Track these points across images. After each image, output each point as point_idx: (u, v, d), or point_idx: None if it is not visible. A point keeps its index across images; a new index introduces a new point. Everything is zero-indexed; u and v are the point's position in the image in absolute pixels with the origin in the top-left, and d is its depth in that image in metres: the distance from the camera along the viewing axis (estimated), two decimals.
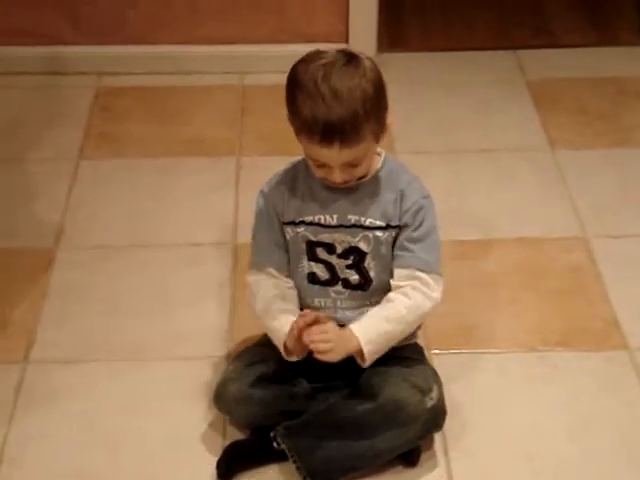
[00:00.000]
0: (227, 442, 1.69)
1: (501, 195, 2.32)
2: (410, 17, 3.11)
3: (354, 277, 1.64)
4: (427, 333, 1.85)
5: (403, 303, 1.60)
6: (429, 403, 1.61)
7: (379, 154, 1.62)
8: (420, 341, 1.76)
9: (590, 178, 2.37)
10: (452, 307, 1.97)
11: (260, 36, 2.78)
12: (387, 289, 1.63)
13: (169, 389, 1.82)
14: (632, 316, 1.97)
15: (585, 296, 2.02)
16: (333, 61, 1.49)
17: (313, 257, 1.64)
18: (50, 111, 2.65)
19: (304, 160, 1.61)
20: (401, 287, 1.60)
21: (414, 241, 1.60)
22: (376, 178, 1.61)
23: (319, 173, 1.56)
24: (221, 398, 1.70)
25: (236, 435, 1.71)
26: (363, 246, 1.61)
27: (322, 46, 2.76)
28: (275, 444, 1.64)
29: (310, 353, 1.59)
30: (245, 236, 2.17)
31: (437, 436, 1.69)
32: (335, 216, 1.61)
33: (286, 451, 1.63)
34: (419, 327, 1.74)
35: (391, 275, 1.63)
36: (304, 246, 1.63)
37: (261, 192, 1.67)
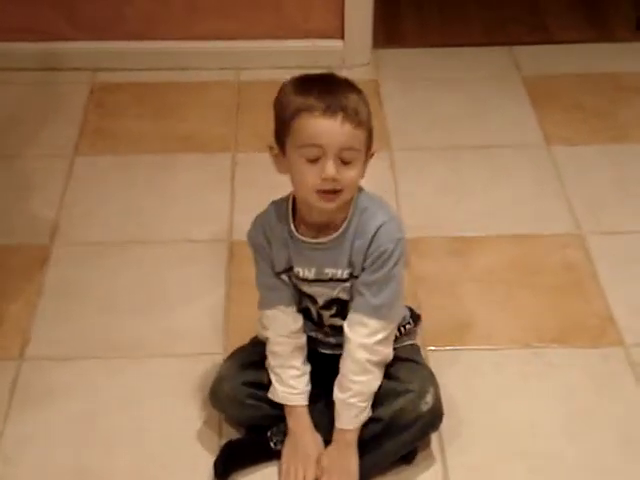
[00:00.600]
0: (223, 440, 1.69)
1: (497, 192, 2.32)
2: (406, 13, 3.11)
3: (340, 323, 1.62)
4: (423, 330, 1.84)
5: (359, 382, 1.58)
6: (425, 407, 1.60)
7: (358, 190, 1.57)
8: (417, 338, 1.75)
9: (586, 174, 2.37)
10: (448, 304, 1.98)
11: (256, 32, 2.77)
12: None
13: (165, 386, 1.81)
14: (627, 313, 1.97)
15: (581, 293, 2.02)
16: (325, 75, 1.52)
17: (301, 302, 1.64)
18: (46, 107, 2.64)
19: (287, 202, 1.58)
20: (346, 336, 1.58)
21: (367, 285, 1.55)
22: (349, 226, 1.55)
23: (309, 175, 1.48)
24: (216, 397, 1.70)
25: (232, 433, 1.71)
26: (343, 295, 1.59)
27: (318, 42, 2.80)
28: (272, 444, 1.65)
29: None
30: (241, 233, 2.17)
31: (433, 434, 1.69)
32: (313, 270, 1.58)
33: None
34: (417, 325, 1.74)
35: None
36: (296, 289, 1.63)
37: (249, 239, 1.63)
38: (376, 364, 1.58)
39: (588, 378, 1.83)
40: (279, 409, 1.65)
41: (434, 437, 1.69)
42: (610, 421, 1.75)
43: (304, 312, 1.65)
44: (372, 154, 1.54)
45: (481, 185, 2.35)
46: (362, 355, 1.57)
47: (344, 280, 1.58)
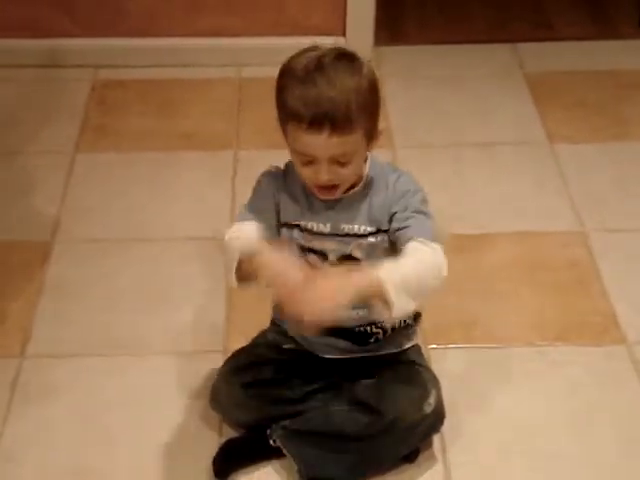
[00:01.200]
0: (223, 438, 1.69)
1: (499, 189, 2.32)
2: (408, 10, 3.10)
3: None
4: (425, 328, 1.83)
5: (418, 251, 1.47)
6: (428, 409, 1.60)
7: (366, 159, 1.56)
8: (418, 337, 1.75)
9: (589, 172, 2.37)
10: (450, 301, 1.97)
11: (258, 29, 2.77)
12: None
13: (166, 384, 1.81)
14: (630, 310, 1.97)
15: (583, 290, 2.02)
16: (327, 52, 1.46)
17: (307, 262, 1.60)
18: (47, 104, 2.64)
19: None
20: (409, 250, 1.47)
21: (405, 219, 1.51)
22: (366, 183, 1.55)
23: (305, 173, 1.49)
24: (216, 400, 1.69)
25: (232, 431, 1.70)
26: (357, 253, 1.57)
27: (320, 39, 2.78)
28: (271, 442, 1.64)
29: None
30: None
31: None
32: (328, 225, 1.56)
33: (286, 453, 1.63)
34: (417, 324, 1.73)
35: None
36: (297, 249, 1.59)
37: (265, 172, 1.60)
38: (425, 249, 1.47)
39: (591, 376, 1.83)
40: (280, 408, 1.65)
41: (436, 436, 1.68)
42: (613, 419, 1.75)
43: None
44: (379, 134, 1.50)
45: (483, 183, 2.35)
46: (430, 254, 1.47)
47: (361, 236, 1.55)
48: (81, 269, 2.09)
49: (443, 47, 2.88)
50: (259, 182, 1.61)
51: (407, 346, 1.68)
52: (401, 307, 1.43)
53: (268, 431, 1.65)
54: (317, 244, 1.58)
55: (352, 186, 1.54)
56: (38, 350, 1.89)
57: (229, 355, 1.75)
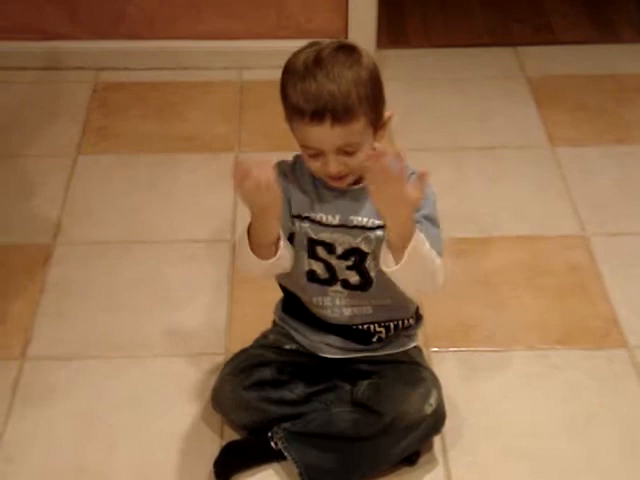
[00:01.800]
0: (225, 440, 1.69)
1: (501, 192, 2.32)
2: (410, 13, 3.10)
3: (354, 278, 1.61)
4: (426, 331, 1.84)
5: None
6: (428, 410, 1.60)
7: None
8: (419, 339, 1.75)
9: (590, 175, 2.37)
10: (451, 305, 1.97)
11: (259, 32, 2.77)
12: (386, 289, 1.60)
13: (167, 386, 1.81)
14: (631, 314, 1.97)
15: (585, 294, 2.02)
16: (326, 46, 1.48)
17: (313, 255, 1.61)
18: (48, 106, 2.64)
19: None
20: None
21: (418, 222, 1.51)
22: None
23: (314, 165, 1.51)
24: (217, 401, 1.69)
25: (233, 433, 1.70)
26: (364, 247, 1.58)
27: None
28: (273, 444, 1.64)
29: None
30: None
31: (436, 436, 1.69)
32: (337, 216, 1.57)
33: (288, 457, 1.63)
34: (418, 324, 1.73)
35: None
36: (305, 243, 1.60)
37: (277, 167, 1.59)
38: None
39: (592, 379, 1.83)
40: (282, 410, 1.65)
41: (437, 438, 1.68)
42: (613, 422, 1.74)
43: (310, 275, 1.62)
44: (388, 119, 1.51)
45: (485, 186, 2.35)
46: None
47: (369, 229, 1.56)
48: (82, 271, 2.09)
49: (445, 50, 2.89)
50: None
51: (408, 346, 1.68)
52: (398, 272, 1.46)
53: (269, 433, 1.65)
54: (326, 236, 1.58)
55: (362, 177, 1.54)
56: (39, 351, 1.89)
57: (230, 357, 1.75)
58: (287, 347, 1.69)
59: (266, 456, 1.65)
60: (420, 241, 1.46)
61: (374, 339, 1.65)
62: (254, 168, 1.45)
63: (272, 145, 2.44)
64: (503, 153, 2.46)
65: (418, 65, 2.81)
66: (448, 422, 1.65)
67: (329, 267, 1.61)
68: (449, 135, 2.52)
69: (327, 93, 1.43)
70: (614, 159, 2.42)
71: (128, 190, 2.33)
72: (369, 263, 1.60)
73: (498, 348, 1.90)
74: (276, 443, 1.64)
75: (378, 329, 1.64)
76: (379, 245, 1.56)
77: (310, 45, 1.50)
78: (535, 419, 1.75)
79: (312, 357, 1.67)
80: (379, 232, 1.56)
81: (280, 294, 1.73)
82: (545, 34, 2.98)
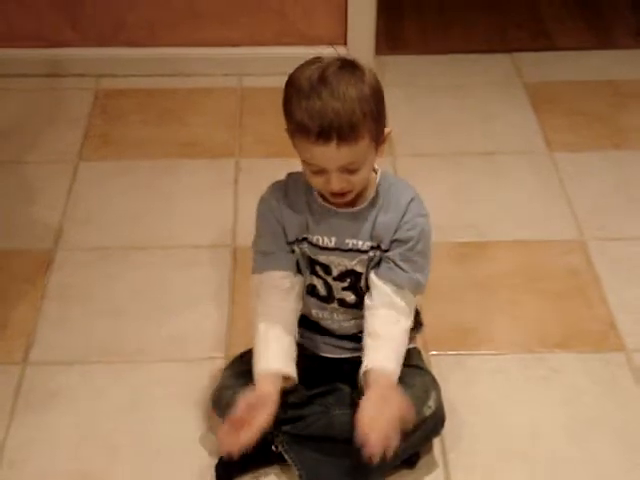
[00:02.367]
0: None
1: (499, 197, 2.33)
2: (408, 20, 3.12)
3: (350, 297, 1.64)
4: (425, 334, 1.85)
5: (395, 328, 1.58)
6: (428, 412, 1.61)
7: (376, 171, 1.59)
8: (418, 342, 1.76)
9: (588, 180, 2.38)
10: (450, 308, 1.98)
11: (259, 38, 2.78)
12: None
13: (168, 391, 1.82)
14: (629, 318, 1.97)
15: (583, 298, 2.03)
16: (330, 64, 1.48)
17: (313, 271, 1.63)
18: (50, 113, 2.65)
19: (304, 174, 1.57)
20: (393, 304, 1.57)
21: (406, 260, 1.57)
22: (374, 200, 1.57)
23: (316, 182, 1.52)
24: (218, 405, 1.69)
25: None
26: (359, 268, 1.60)
27: (321, 49, 2.79)
28: (273, 447, 1.64)
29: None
30: (244, 239, 2.18)
31: (436, 438, 1.69)
32: (333, 239, 1.58)
33: (288, 460, 1.63)
34: (417, 331, 1.74)
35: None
36: (307, 261, 1.62)
37: (263, 199, 1.63)
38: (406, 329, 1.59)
39: (590, 383, 1.83)
40: (282, 412, 1.65)
41: (436, 441, 1.69)
42: (612, 426, 1.75)
43: (311, 289, 1.65)
44: (387, 134, 1.53)
45: (483, 191, 2.36)
46: (399, 320, 1.58)
47: (364, 252, 1.58)
48: (84, 276, 2.10)
49: (443, 56, 2.90)
50: (259, 216, 1.63)
51: (408, 347, 1.69)
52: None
53: (269, 436, 1.65)
54: (322, 258, 1.61)
55: (360, 195, 1.56)
56: (41, 357, 1.90)
57: (230, 361, 1.76)
58: None
59: (267, 459, 1.66)
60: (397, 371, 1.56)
61: None
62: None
63: (272, 151, 2.45)
64: (501, 158, 2.47)
65: (416, 71, 2.82)
66: (447, 425, 1.66)
67: (327, 285, 1.64)
68: (447, 140, 2.53)
69: (332, 111, 1.43)
70: (611, 164, 2.43)
71: (129, 196, 2.34)
72: (364, 282, 1.62)
73: (497, 351, 1.91)
74: (276, 446, 1.64)
75: None
76: (369, 264, 1.60)
77: (313, 61, 1.50)
78: (534, 422, 1.76)
79: (312, 359, 1.68)
80: (371, 253, 1.59)
81: None
82: (542, 40, 2.99)
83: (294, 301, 1.63)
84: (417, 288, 1.60)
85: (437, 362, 1.84)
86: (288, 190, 1.61)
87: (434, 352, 1.88)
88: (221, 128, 2.58)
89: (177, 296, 2.04)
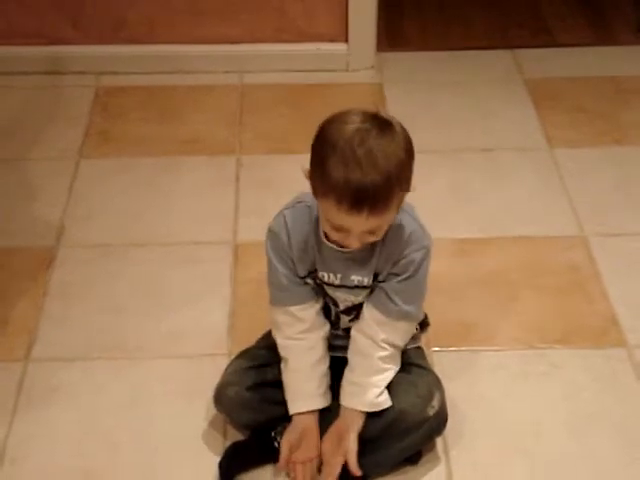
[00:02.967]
0: (228, 441, 1.70)
1: (500, 194, 2.33)
2: (409, 17, 3.12)
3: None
4: (427, 331, 1.85)
5: (380, 360, 1.60)
6: (431, 411, 1.61)
7: None
8: (422, 340, 1.76)
9: (588, 177, 2.38)
10: (451, 305, 1.98)
11: (260, 36, 2.78)
12: None
13: (170, 387, 1.82)
14: (630, 313, 1.98)
15: (583, 294, 2.03)
16: (368, 127, 1.42)
17: (326, 300, 1.64)
18: (50, 111, 2.65)
19: (314, 209, 1.54)
20: (376, 341, 1.59)
21: (398, 292, 1.57)
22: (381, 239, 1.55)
23: (334, 236, 1.50)
24: (220, 401, 1.70)
25: (237, 433, 1.71)
26: (363, 300, 1.61)
27: (322, 46, 2.81)
28: (276, 444, 1.65)
29: None
30: (245, 235, 2.19)
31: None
32: (339, 276, 1.58)
33: None
34: (423, 331, 1.74)
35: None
36: (320, 289, 1.62)
37: (272, 233, 1.59)
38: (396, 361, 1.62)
39: (591, 379, 1.84)
40: (284, 409, 1.66)
41: (438, 438, 1.69)
42: (613, 421, 1.75)
43: (324, 310, 1.65)
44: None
45: (484, 187, 2.36)
46: (385, 353, 1.59)
47: (368, 287, 1.59)
48: (85, 273, 2.10)
49: (444, 53, 2.90)
50: (270, 251, 1.61)
51: (411, 346, 1.70)
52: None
53: (272, 433, 1.66)
54: (330, 292, 1.62)
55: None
56: (43, 353, 1.90)
57: (233, 357, 1.76)
58: None
59: (269, 456, 1.66)
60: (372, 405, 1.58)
61: None
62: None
63: (273, 148, 2.45)
64: (502, 155, 2.47)
65: (417, 68, 2.82)
66: (449, 421, 1.65)
67: (336, 315, 1.65)
68: (448, 137, 2.53)
69: (371, 184, 1.39)
70: (612, 160, 2.43)
71: (130, 193, 2.35)
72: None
73: (498, 347, 1.91)
74: (279, 443, 1.64)
75: None
76: (369, 293, 1.61)
77: (348, 118, 1.44)
78: (535, 418, 1.76)
79: None
80: (373, 285, 1.59)
81: None
82: (543, 37, 2.99)
83: (319, 328, 1.64)
84: (407, 319, 1.59)
85: (438, 358, 1.84)
86: (296, 223, 1.57)
87: (435, 348, 1.88)
88: (222, 125, 2.58)
89: (178, 293, 2.04)
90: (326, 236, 1.54)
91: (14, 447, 1.71)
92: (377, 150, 1.40)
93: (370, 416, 1.60)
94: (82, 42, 2.78)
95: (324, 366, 1.64)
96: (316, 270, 1.59)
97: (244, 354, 1.74)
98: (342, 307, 1.63)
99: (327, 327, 1.65)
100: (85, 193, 2.35)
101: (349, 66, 2.76)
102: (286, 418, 1.65)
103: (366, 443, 1.61)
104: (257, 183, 2.34)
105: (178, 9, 2.76)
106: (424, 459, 1.67)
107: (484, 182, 2.38)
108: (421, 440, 1.64)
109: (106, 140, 2.53)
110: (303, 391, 1.63)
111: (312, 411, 1.63)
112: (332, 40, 2.76)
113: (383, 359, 1.59)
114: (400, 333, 1.60)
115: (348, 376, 1.62)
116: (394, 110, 2.60)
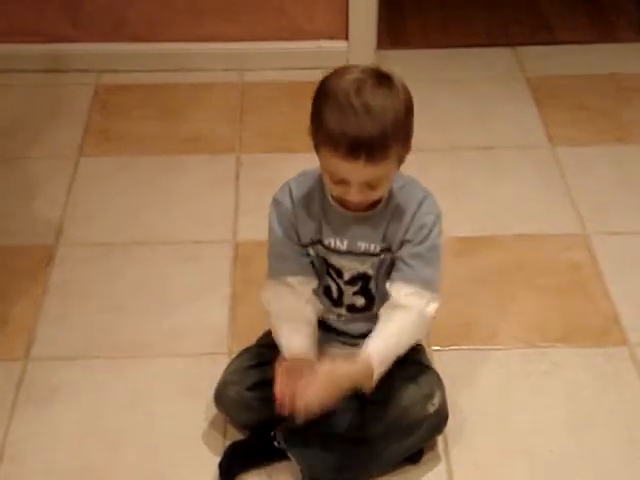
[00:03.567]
0: (228, 440, 1.70)
1: (501, 192, 2.33)
2: (410, 14, 3.11)
3: (360, 302, 1.64)
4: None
5: (403, 319, 1.57)
6: (432, 409, 1.61)
7: None
8: (422, 339, 1.76)
9: (590, 175, 2.38)
10: (452, 304, 1.97)
11: (260, 33, 2.78)
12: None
13: (170, 386, 1.82)
14: (632, 312, 1.97)
15: (585, 292, 2.03)
16: (366, 77, 1.44)
17: (329, 273, 1.63)
18: (50, 109, 2.65)
19: (319, 177, 1.56)
20: (400, 303, 1.56)
21: (415, 257, 1.56)
22: (388, 204, 1.56)
23: (335, 190, 1.51)
24: (220, 400, 1.70)
25: (237, 433, 1.71)
26: (370, 271, 1.60)
27: (322, 43, 2.80)
28: (276, 443, 1.65)
29: None
30: (246, 233, 2.18)
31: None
32: (345, 242, 1.58)
33: (290, 456, 1.63)
34: None
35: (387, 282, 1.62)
36: (322, 261, 1.62)
37: (276, 202, 1.61)
38: (412, 313, 1.57)
39: (592, 377, 1.83)
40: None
41: (439, 436, 1.69)
42: (614, 420, 1.75)
43: (325, 290, 1.65)
44: (409, 151, 1.52)
45: (485, 185, 2.35)
46: (406, 300, 1.56)
47: (375, 254, 1.58)
48: (85, 272, 2.10)
49: (445, 51, 2.90)
50: (272, 219, 1.61)
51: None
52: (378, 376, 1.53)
53: (272, 433, 1.65)
54: (334, 261, 1.61)
55: (377, 201, 1.55)
56: (42, 352, 1.90)
57: (234, 356, 1.76)
58: None
59: (269, 456, 1.66)
60: (379, 360, 1.52)
61: None
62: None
63: (273, 146, 2.45)
64: (503, 153, 2.47)
65: (418, 65, 2.82)
66: (450, 420, 1.65)
67: (339, 289, 1.64)
68: (449, 135, 2.53)
69: (365, 130, 1.41)
70: (614, 158, 2.43)
71: (130, 191, 2.34)
72: (372, 285, 1.62)
73: (499, 346, 1.90)
74: (279, 442, 1.64)
75: None
76: (380, 267, 1.60)
77: (349, 69, 1.46)
78: (536, 417, 1.76)
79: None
80: (382, 255, 1.59)
81: None
82: (544, 34, 2.99)
83: (312, 303, 1.64)
84: (427, 284, 1.58)
85: (439, 357, 1.84)
86: (301, 191, 1.59)
87: (436, 347, 1.88)
88: (222, 123, 2.58)
89: (178, 291, 2.04)
90: (335, 199, 1.55)
91: (13, 446, 1.71)
92: (372, 99, 1.42)
93: (371, 414, 1.60)
94: (82, 40, 2.78)
95: (314, 332, 1.62)
96: (320, 240, 1.58)
97: (245, 353, 1.74)
98: (347, 277, 1.61)
99: (321, 309, 1.64)
100: (85, 192, 2.34)
101: (349, 64, 2.75)
102: (286, 418, 1.65)
103: (368, 442, 1.60)
104: (257, 182, 2.34)
105: (179, 7, 2.75)
106: (425, 458, 1.67)
107: (485, 180, 2.37)
108: (422, 438, 1.64)
109: (106, 138, 2.53)
110: (296, 343, 1.59)
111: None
112: (332, 38, 2.76)
113: (404, 327, 1.57)
114: (432, 305, 1.58)
115: (371, 334, 1.58)
116: None
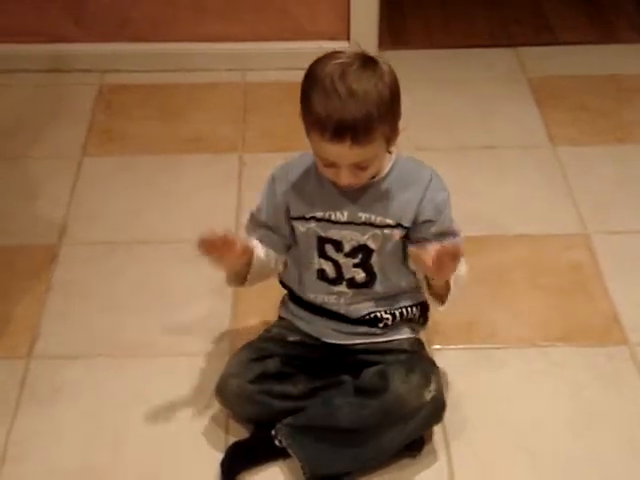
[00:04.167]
0: (230, 438, 1.70)
1: (502, 192, 2.33)
2: (411, 14, 3.12)
3: (360, 275, 1.65)
4: (429, 329, 1.85)
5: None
6: (428, 395, 1.61)
7: (390, 152, 1.60)
8: (421, 337, 1.77)
9: (591, 175, 2.38)
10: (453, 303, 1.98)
11: (262, 34, 2.78)
12: (389, 283, 1.65)
13: (172, 384, 1.82)
14: (633, 312, 1.98)
15: (586, 292, 2.03)
16: (351, 61, 1.48)
17: (322, 254, 1.64)
18: (53, 109, 2.66)
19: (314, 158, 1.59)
20: None
21: (439, 235, 1.59)
22: (389, 176, 1.59)
23: (326, 173, 1.55)
24: (222, 394, 1.70)
25: (239, 430, 1.72)
26: (371, 244, 1.62)
27: (324, 44, 2.81)
28: (277, 442, 1.65)
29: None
30: None
31: (438, 430, 1.70)
32: (345, 213, 1.60)
33: (290, 452, 1.64)
34: (423, 324, 1.75)
35: (394, 272, 1.64)
36: (315, 242, 1.64)
37: (273, 176, 1.66)
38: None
39: (593, 377, 1.84)
40: (284, 404, 1.66)
41: (439, 433, 1.70)
42: (614, 419, 1.76)
43: (320, 274, 1.66)
44: (398, 133, 1.54)
45: (486, 185, 2.36)
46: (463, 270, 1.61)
47: (378, 226, 1.60)
48: (88, 271, 2.10)
49: (446, 51, 2.90)
50: (265, 188, 1.67)
51: (410, 336, 1.71)
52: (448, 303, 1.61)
53: (273, 432, 1.66)
54: (334, 233, 1.62)
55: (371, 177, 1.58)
56: (45, 351, 1.91)
57: (236, 350, 1.76)
58: (291, 339, 1.72)
59: (271, 454, 1.66)
60: (458, 277, 1.57)
61: (380, 325, 1.68)
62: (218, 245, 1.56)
63: (275, 146, 2.45)
64: (504, 153, 2.47)
65: (419, 66, 2.83)
66: (450, 417, 1.66)
67: (337, 265, 1.65)
68: (450, 135, 2.54)
69: (349, 113, 1.44)
70: (614, 158, 2.44)
71: (132, 191, 2.35)
72: (374, 259, 1.63)
73: (500, 345, 1.91)
74: (280, 441, 1.65)
75: (385, 316, 1.68)
76: (385, 242, 1.61)
77: (335, 55, 1.50)
78: (536, 416, 1.76)
79: (316, 348, 1.69)
80: (387, 230, 1.60)
81: (283, 291, 1.76)
82: (545, 35, 2.99)
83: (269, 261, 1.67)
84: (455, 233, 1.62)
85: (440, 356, 1.84)
86: (300, 168, 1.63)
87: (437, 346, 1.89)
88: (225, 123, 2.58)
89: (180, 290, 2.05)
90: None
91: (16, 444, 1.72)
92: (356, 83, 1.45)
93: (369, 404, 1.61)
94: (85, 40, 2.78)
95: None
96: (313, 217, 1.61)
97: (247, 346, 1.75)
98: (347, 248, 1.63)
99: (272, 267, 1.68)
100: (87, 191, 2.35)
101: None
102: (286, 412, 1.65)
103: (366, 432, 1.61)
104: (260, 181, 2.32)
105: (181, 7, 2.76)
106: (425, 454, 1.67)
107: (486, 180, 2.38)
108: (420, 426, 1.64)
109: (109, 138, 2.54)
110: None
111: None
112: (334, 38, 2.76)
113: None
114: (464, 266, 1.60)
115: None
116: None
